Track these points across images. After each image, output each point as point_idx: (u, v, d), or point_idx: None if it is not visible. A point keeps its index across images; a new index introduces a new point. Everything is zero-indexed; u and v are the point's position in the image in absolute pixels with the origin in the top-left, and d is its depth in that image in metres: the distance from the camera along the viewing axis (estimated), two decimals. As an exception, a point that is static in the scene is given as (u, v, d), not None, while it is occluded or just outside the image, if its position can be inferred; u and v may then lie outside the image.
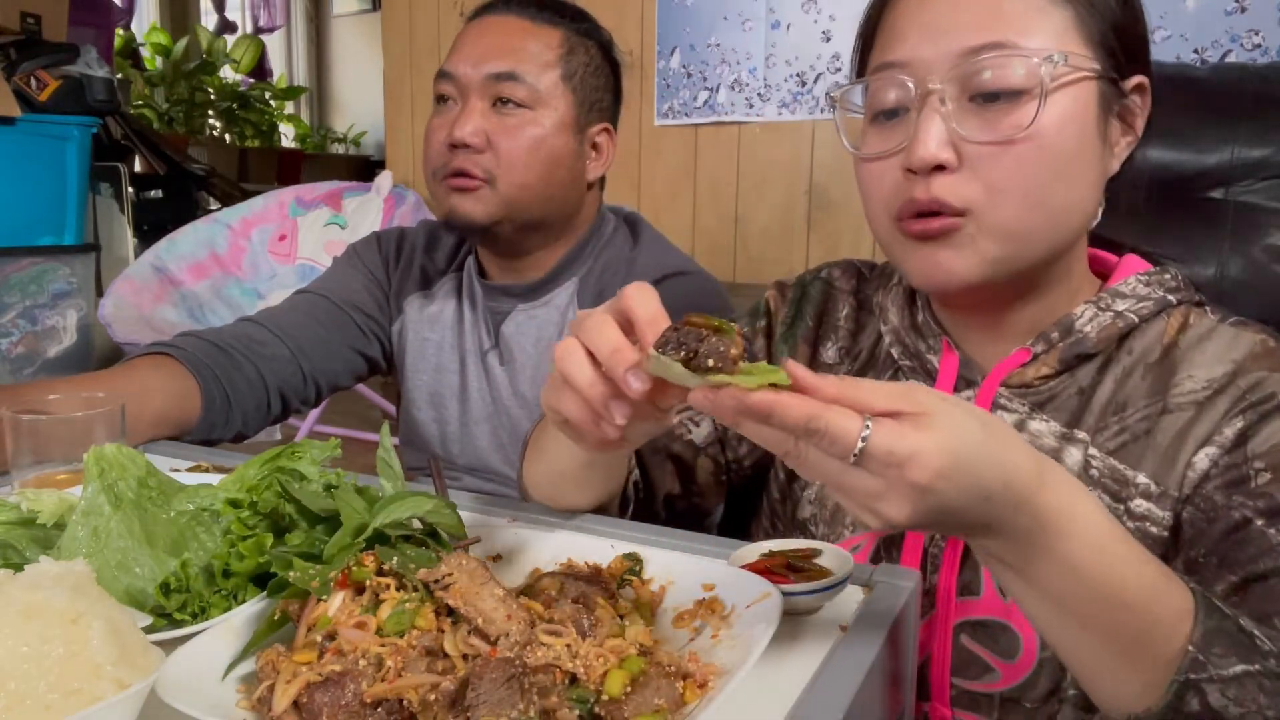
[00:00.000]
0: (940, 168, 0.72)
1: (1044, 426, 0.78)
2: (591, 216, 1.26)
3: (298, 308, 1.27)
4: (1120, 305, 0.78)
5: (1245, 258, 1.30)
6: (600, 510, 0.84)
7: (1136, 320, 0.78)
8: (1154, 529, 0.73)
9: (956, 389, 0.81)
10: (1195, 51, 2.15)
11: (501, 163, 1.15)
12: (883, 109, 0.76)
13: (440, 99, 1.20)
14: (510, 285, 1.24)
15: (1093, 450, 0.76)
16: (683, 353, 0.52)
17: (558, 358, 0.59)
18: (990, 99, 0.71)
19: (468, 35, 1.20)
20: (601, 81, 1.22)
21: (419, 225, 1.37)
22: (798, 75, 2.70)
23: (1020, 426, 0.78)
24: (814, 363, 0.92)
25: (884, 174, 0.75)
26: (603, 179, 1.27)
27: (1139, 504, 0.74)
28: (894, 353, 0.86)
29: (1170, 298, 0.79)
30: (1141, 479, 0.74)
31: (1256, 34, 2.09)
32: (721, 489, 0.97)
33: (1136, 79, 0.75)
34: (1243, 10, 2.10)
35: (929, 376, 0.82)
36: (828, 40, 2.64)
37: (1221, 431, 0.72)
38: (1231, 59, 2.10)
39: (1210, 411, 0.73)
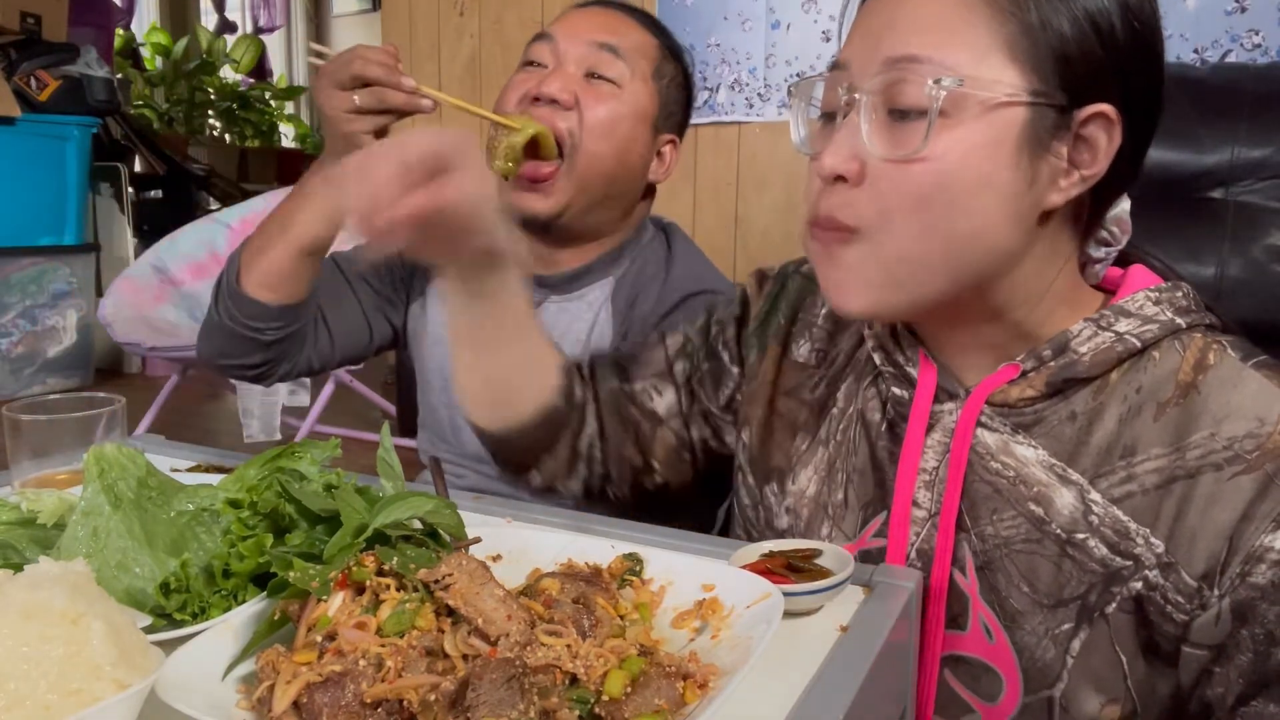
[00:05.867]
0: (843, 180, 0.69)
1: (1030, 453, 0.73)
2: (637, 222, 1.28)
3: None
4: (1123, 325, 0.72)
5: (1245, 258, 1.31)
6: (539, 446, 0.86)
7: (1138, 345, 0.71)
8: (1173, 611, 0.68)
9: (937, 399, 0.77)
10: (1195, 51, 2.15)
11: (585, 125, 1.15)
12: (825, 110, 0.74)
13: (529, 61, 1.20)
14: (544, 276, 1.24)
15: (1094, 495, 0.71)
16: None
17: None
18: (903, 116, 0.67)
19: (573, 12, 1.23)
20: (680, 97, 1.26)
21: None
22: (798, 75, 2.70)
23: (1003, 448, 0.73)
24: (784, 361, 0.89)
25: (812, 177, 0.73)
26: (654, 190, 1.29)
27: (1154, 575, 0.68)
28: (876, 358, 0.81)
29: (1179, 320, 0.72)
30: (1158, 545, 0.68)
31: (1256, 34, 2.09)
32: (685, 468, 0.95)
33: (1095, 108, 0.67)
34: (1243, 10, 2.10)
35: (909, 384, 0.78)
36: (828, 40, 2.64)
37: (1267, 543, 0.65)
38: (1231, 59, 2.10)
39: (1236, 492, 0.66)
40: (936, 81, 0.65)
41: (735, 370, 0.92)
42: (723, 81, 2.79)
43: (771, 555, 0.71)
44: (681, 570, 0.64)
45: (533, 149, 1.14)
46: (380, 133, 1.10)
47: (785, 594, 0.59)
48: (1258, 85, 1.35)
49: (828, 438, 0.85)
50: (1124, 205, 0.76)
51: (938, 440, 0.76)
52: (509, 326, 0.86)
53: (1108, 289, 0.78)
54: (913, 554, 0.76)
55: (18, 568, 0.53)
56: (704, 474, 0.97)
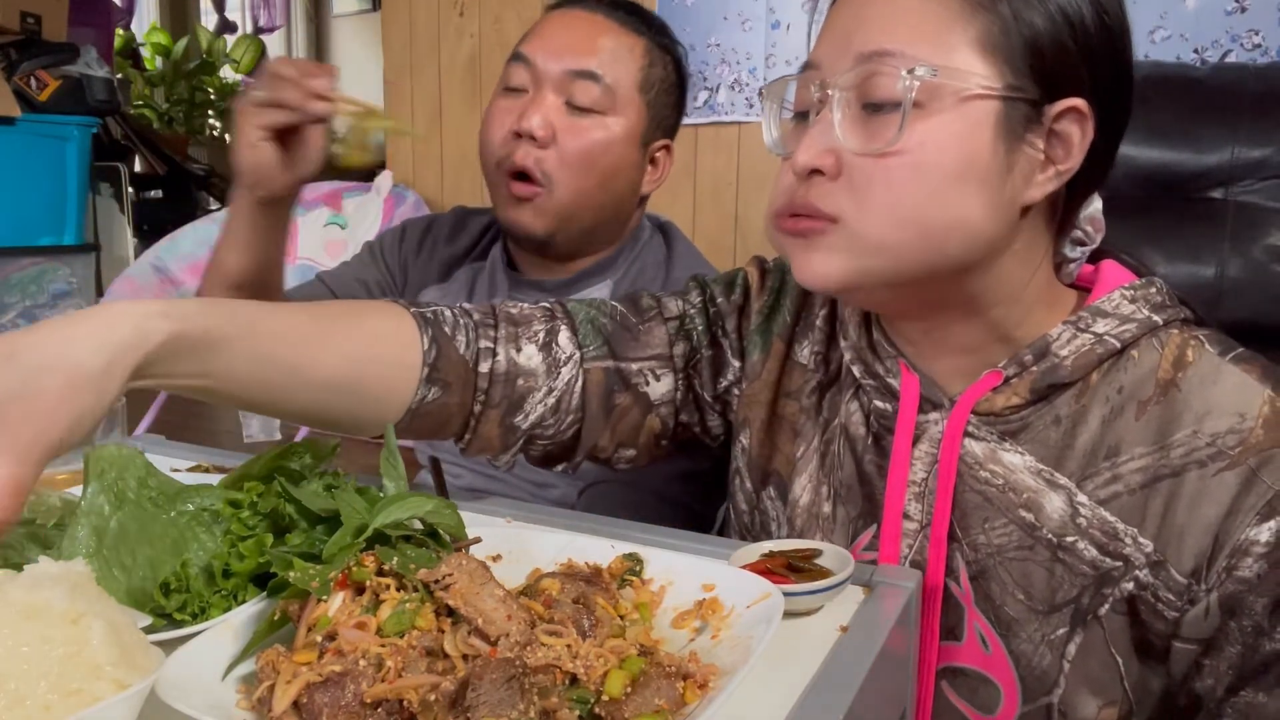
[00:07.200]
0: (820, 173, 0.69)
1: (1018, 460, 0.73)
2: (634, 225, 1.27)
3: (302, 296, 1.26)
4: (1101, 326, 0.72)
5: (1245, 258, 1.30)
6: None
7: (1118, 345, 0.71)
8: (1164, 609, 0.69)
9: (921, 409, 0.76)
10: (1195, 51, 2.15)
11: (563, 163, 1.14)
12: (798, 110, 0.74)
13: (509, 87, 1.18)
14: (542, 280, 1.24)
15: (1081, 498, 0.71)
16: None
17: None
18: (876, 109, 0.67)
19: (550, 24, 1.18)
20: (672, 99, 1.22)
21: (450, 211, 1.38)
22: (798, 75, 2.70)
23: (991, 456, 0.73)
24: (788, 362, 0.88)
25: (784, 174, 0.73)
26: (648, 195, 1.27)
27: (1144, 575, 0.69)
28: (855, 371, 0.81)
29: (1156, 318, 0.72)
30: (1147, 544, 0.69)
31: (1256, 34, 2.09)
32: (658, 452, 0.92)
33: (1068, 103, 0.67)
34: (1243, 10, 2.10)
35: (891, 396, 0.77)
36: (828, 40, 2.64)
37: (1252, 536, 0.65)
38: (1231, 59, 2.10)
39: (1220, 488, 0.67)
40: (910, 72, 0.65)
41: (736, 364, 0.90)
42: (723, 81, 2.79)
43: (771, 555, 0.71)
44: (681, 570, 0.64)
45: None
46: (284, 133, 1.00)
47: (785, 594, 0.59)
48: (1258, 85, 1.35)
49: (820, 447, 0.84)
50: (1096, 204, 0.76)
51: (925, 451, 0.76)
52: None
53: (1082, 286, 0.78)
54: (905, 566, 0.76)
55: (18, 568, 0.53)
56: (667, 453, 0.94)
